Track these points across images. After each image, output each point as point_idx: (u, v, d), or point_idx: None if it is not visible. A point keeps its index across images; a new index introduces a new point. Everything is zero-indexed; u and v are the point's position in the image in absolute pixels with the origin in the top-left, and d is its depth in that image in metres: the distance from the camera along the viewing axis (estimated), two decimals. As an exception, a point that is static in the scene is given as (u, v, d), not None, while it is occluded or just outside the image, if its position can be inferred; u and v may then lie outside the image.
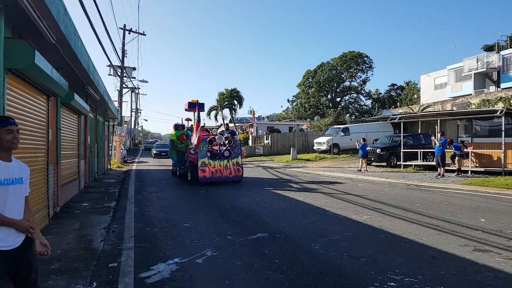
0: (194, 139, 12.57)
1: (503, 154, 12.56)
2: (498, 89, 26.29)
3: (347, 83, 52.66)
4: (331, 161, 21.49)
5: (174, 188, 11.55)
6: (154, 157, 30.91)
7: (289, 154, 24.62)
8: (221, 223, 6.32)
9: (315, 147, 26.12)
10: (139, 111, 56.98)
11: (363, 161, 15.68)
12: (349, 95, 53.64)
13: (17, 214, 2.20)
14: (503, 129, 12.60)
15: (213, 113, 40.85)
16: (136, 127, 61.51)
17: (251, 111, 53.27)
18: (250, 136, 35.97)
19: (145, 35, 29.92)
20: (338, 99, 52.98)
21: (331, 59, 52.63)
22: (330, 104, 51.82)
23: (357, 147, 16.08)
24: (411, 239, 5.10)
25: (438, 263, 4.07)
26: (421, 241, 4.97)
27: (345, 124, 30.65)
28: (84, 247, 4.97)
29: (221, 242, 5.05)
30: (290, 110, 60.19)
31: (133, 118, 54.17)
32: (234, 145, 12.88)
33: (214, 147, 12.46)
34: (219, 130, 20.19)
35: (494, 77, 28.02)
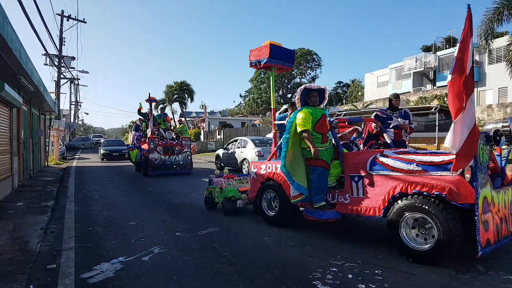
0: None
1: (436, 147, 13.62)
2: (434, 87, 28.45)
3: (297, 80, 53.93)
4: (281, 156, 21.90)
5: (118, 185, 11.10)
6: (103, 159, 22.31)
7: (241, 149, 24.64)
8: (169, 220, 6.20)
9: (266, 142, 26.43)
10: (79, 103, 52.96)
11: None
12: (299, 92, 54.82)
13: None
14: (437, 124, 13.64)
15: (160, 106, 39.66)
16: (77, 121, 57.75)
17: (202, 105, 52.64)
18: (202, 131, 35.60)
19: (85, 22, 28.08)
20: (289, 96, 54.10)
21: (281, 56, 53.44)
22: (282, 100, 52.77)
23: None
24: (356, 226, 5.37)
25: (378, 247, 4.33)
26: (364, 227, 5.24)
27: (295, 119, 31.31)
28: (19, 249, 4.62)
29: (169, 239, 4.96)
30: (242, 106, 60.38)
31: (72, 112, 50.64)
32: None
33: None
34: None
35: (430, 76, 30.26)
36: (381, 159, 4.28)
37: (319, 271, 3.65)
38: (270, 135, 26.00)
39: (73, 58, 29.79)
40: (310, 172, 4.80)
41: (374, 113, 6.05)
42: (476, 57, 25.84)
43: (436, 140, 13.57)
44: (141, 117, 15.23)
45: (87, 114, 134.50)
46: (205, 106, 47.73)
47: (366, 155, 4.54)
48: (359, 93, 45.00)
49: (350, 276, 3.51)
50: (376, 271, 3.60)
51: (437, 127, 13.64)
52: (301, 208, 5.19)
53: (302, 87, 4.99)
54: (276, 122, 6.47)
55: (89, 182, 11.93)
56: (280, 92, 53.53)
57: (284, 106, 7.40)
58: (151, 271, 3.79)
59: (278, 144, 5.78)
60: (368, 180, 4.31)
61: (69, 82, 35.03)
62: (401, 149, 4.84)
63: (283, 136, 4.98)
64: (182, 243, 4.78)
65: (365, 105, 29.97)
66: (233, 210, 6.26)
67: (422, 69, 29.60)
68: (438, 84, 28.39)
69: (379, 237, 4.74)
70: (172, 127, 15.36)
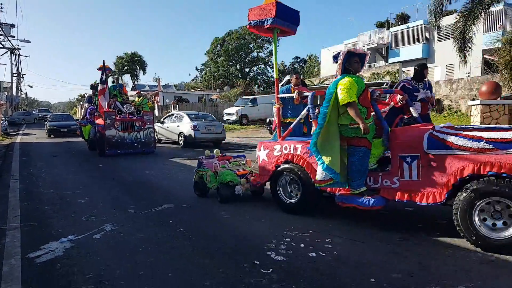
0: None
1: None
2: (386, 63, 29.43)
3: (255, 54, 53.42)
4: (240, 131, 21.94)
5: (67, 162, 10.57)
6: (50, 135, 20.63)
7: (198, 124, 24.32)
8: (122, 197, 6.03)
9: (225, 118, 26.26)
10: (21, 75, 49.10)
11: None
12: (257, 66, 54.63)
13: None
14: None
15: (110, 79, 37.86)
16: (20, 94, 53.57)
17: (156, 78, 50.60)
18: (156, 106, 34.50)
19: (25, -14, 25.67)
20: (247, 70, 53.60)
21: (239, 28, 52.51)
22: (239, 75, 52.20)
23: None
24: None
25: (330, 217, 4.53)
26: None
27: (254, 95, 31.32)
28: (-43, 231, 4.30)
29: (122, 217, 4.83)
30: (199, 79, 58.99)
31: (14, 84, 46.84)
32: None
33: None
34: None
35: (383, 52, 31.20)
36: (441, 136, 3.72)
37: (273, 241, 3.76)
38: (228, 110, 25.94)
39: (12, 26, 27.24)
40: (351, 154, 4.11)
41: (401, 84, 5.37)
42: (426, 34, 27.01)
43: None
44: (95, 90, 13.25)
45: (31, 87, 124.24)
46: (159, 79, 45.91)
47: (420, 131, 3.92)
48: (316, 69, 45.62)
49: (302, 245, 3.66)
50: (327, 240, 3.78)
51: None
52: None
53: (345, 49, 4.25)
54: (280, 95, 5.66)
55: (36, 158, 11.23)
56: (238, 66, 52.86)
57: (287, 77, 6.69)
58: (102, 248, 3.70)
59: (296, 122, 5.17)
60: (425, 160, 3.77)
61: (9, 52, 32.12)
62: (451, 126, 4.20)
63: (321, 111, 4.17)
64: (136, 220, 4.69)
65: (321, 80, 30.47)
66: (231, 197, 5.43)
67: (376, 45, 30.42)
68: (390, 60, 29.39)
69: (331, 209, 4.93)
70: (129, 100, 13.94)
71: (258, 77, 54.66)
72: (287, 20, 5.26)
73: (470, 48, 14.56)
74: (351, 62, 4.19)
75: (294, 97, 5.25)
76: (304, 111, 4.91)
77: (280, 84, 6.23)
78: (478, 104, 9.91)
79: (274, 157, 5.04)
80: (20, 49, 38.47)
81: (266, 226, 4.32)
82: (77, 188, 6.68)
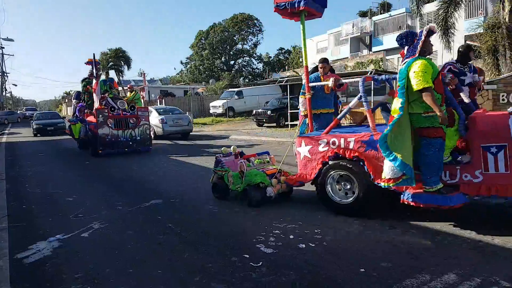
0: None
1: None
2: (370, 52, 29.60)
3: (239, 46, 53.08)
4: (227, 124, 21.88)
5: (53, 160, 10.40)
6: (37, 134, 19.85)
7: (185, 118, 24.17)
8: (110, 194, 5.98)
9: (211, 111, 26.16)
10: (5, 74, 48.58)
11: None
12: (242, 58, 54.33)
13: None
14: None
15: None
16: (4, 93, 52.58)
17: (141, 73, 49.92)
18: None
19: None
20: (232, 62, 53.25)
21: (222, 20, 52.07)
22: (225, 67, 51.85)
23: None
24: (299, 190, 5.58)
25: (318, 208, 4.57)
26: (307, 190, 5.47)
27: (239, 87, 31.20)
28: None
29: (110, 214, 4.80)
30: (184, 73, 58.39)
31: (-2, 83, 46.14)
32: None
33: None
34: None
35: (367, 41, 31.37)
36: None
37: (262, 234, 3.80)
38: (214, 103, 25.79)
39: (-6, 25, 26.33)
40: (425, 146, 3.65)
41: (447, 67, 4.74)
42: (409, 22, 27.23)
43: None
44: (85, 86, 12.19)
45: (15, 85, 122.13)
46: (144, 73, 45.21)
47: (504, 118, 3.54)
48: (300, 60, 45.62)
49: (291, 237, 3.70)
50: (316, 231, 3.83)
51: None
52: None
53: (427, 27, 3.70)
54: (311, 84, 5.16)
55: (21, 158, 11.02)
56: (223, 59, 52.46)
57: (316, 64, 6.12)
58: (91, 247, 3.69)
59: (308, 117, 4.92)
60: None
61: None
62: None
63: (398, 98, 3.71)
64: (124, 217, 4.67)
65: (306, 71, 30.49)
66: (261, 200, 4.79)
67: (359, 34, 30.56)
68: (374, 49, 29.60)
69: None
70: (121, 95, 13.21)
71: (244, 69, 54.40)
72: (316, 1, 4.91)
73: (453, 33, 14.78)
74: (427, 43, 3.74)
75: (329, 85, 4.96)
76: (355, 100, 4.46)
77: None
78: (462, 90, 10.06)
79: (319, 153, 4.49)
80: (4, 47, 37.58)
81: (255, 219, 4.35)
82: (64, 187, 6.60)
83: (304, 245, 3.47)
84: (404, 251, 3.27)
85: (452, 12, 14.22)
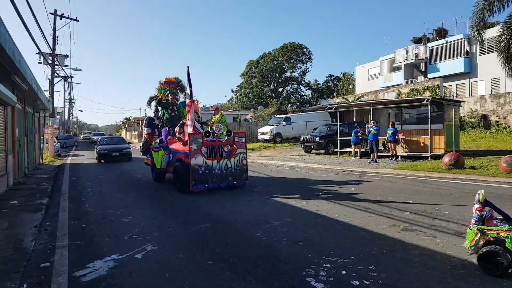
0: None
1: (429, 140, 13.75)
2: (426, 79, 28.58)
3: (288, 74, 53.91)
4: (274, 150, 21.95)
5: (111, 182, 11.03)
6: (100, 160, 18.46)
7: (233, 144, 24.62)
8: (162, 216, 6.18)
9: (259, 137, 26.47)
10: (73, 101, 53.85)
11: (355, 147, 15.74)
12: (290, 86, 55.07)
13: None
14: (429, 116, 13.73)
15: (153, 102, 39.61)
16: (71, 118, 57.79)
17: (195, 101, 52.41)
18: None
19: (78, 20, 27.84)
20: (280, 89, 54.12)
21: (272, 50, 53.50)
22: (273, 94, 52.79)
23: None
24: (345, 221, 5.41)
25: (370, 243, 4.37)
26: (354, 223, 5.30)
27: (287, 113, 31.39)
28: (13, 247, 4.59)
29: (162, 236, 4.95)
30: (234, 100, 60.24)
31: (66, 109, 50.81)
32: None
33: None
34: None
35: (422, 68, 30.38)
36: None
37: (312, 267, 3.67)
38: (262, 129, 26.09)
39: (66, 56, 29.35)
40: None
41: None
42: (468, 48, 26.04)
43: (429, 132, 13.70)
44: (159, 108, 10.95)
45: (81, 111, 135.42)
46: (197, 101, 47.47)
47: None
48: (350, 86, 45.11)
49: (343, 272, 3.53)
50: (370, 267, 3.63)
51: (429, 119, 13.76)
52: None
53: None
54: None
55: (83, 179, 11.85)
56: (272, 86, 53.44)
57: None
58: (143, 268, 3.79)
59: None
60: None
61: (62, 80, 34.77)
62: None
63: None
64: (175, 239, 4.78)
65: (356, 98, 30.06)
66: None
67: (413, 60, 29.73)
68: (430, 75, 28.56)
69: (372, 233, 4.77)
70: (201, 119, 11.27)
71: (292, 96, 54.89)
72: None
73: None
74: None
75: None
76: None
77: None
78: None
79: None
80: (73, 77, 41.53)
81: (303, 250, 4.23)
82: (121, 207, 6.95)
83: (358, 282, 3.28)
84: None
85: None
